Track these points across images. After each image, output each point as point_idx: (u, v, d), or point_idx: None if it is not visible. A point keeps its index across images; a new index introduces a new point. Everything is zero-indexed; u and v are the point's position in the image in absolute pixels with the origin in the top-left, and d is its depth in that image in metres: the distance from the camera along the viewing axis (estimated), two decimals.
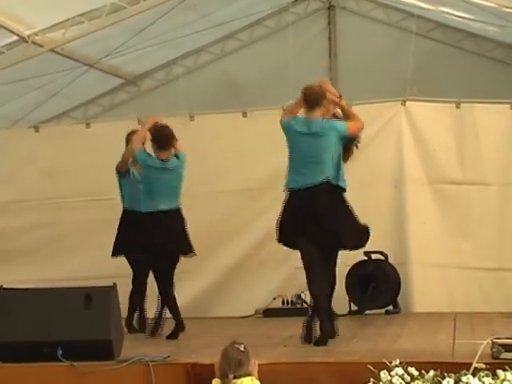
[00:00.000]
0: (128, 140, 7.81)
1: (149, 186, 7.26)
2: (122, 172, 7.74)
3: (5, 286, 5.63)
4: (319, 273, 6.32)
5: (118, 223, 7.77)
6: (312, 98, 6.37)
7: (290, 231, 6.36)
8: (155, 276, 7.31)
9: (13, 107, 10.73)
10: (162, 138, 7.29)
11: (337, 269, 8.13)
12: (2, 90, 9.80)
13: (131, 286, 7.77)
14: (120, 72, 11.43)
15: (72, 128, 10.09)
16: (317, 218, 6.25)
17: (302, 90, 6.43)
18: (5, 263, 9.12)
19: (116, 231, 7.75)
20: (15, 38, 9.30)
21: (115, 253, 7.78)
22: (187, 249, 7.28)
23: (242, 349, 4.85)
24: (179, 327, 7.22)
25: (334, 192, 6.37)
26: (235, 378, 4.76)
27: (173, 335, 7.13)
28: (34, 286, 6.59)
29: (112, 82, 11.58)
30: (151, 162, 7.24)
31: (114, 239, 7.74)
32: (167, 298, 7.26)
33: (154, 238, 7.14)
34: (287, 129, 6.42)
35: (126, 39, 10.10)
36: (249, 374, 4.82)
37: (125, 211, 7.77)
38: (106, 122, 9.77)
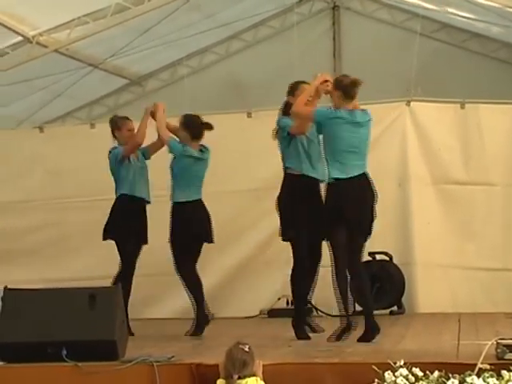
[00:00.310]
0: (114, 128, 7.70)
1: (183, 175, 7.26)
2: (125, 158, 7.66)
3: (10, 286, 5.63)
4: (345, 268, 6.41)
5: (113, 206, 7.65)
6: (353, 89, 6.39)
7: (331, 222, 6.34)
8: (178, 266, 7.29)
9: (17, 108, 10.75)
10: (197, 127, 7.30)
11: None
12: (6, 90, 9.82)
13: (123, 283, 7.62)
14: (125, 72, 11.44)
15: (76, 128, 10.10)
16: (363, 209, 6.36)
17: (340, 80, 6.45)
18: (10, 263, 9.13)
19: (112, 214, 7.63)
20: (20, 38, 9.31)
21: (108, 236, 7.61)
22: (212, 236, 7.37)
23: (246, 349, 4.84)
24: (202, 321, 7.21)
25: (370, 182, 6.46)
26: (240, 378, 4.76)
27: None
28: (38, 286, 6.60)
29: (116, 83, 11.60)
30: (190, 152, 7.25)
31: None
32: (193, 287, 7.28)
33: (189, 227, 7.19)
34: (331, 118, 6.35)
35: (131, 39, 10.11)
36: (253, 375, 4.82)
37: (123, 197, 7.62)
38: None
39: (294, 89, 6.81)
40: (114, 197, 7.75)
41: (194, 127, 7.32)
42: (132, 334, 7.23)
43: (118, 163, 7.64)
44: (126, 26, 9.53)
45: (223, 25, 10.93)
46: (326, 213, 6.40)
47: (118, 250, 7.61)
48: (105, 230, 7.65)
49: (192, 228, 7.26)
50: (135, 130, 7.69)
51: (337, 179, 6.33)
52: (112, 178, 7.74)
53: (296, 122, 6.69)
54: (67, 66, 10.12)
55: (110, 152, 7.72)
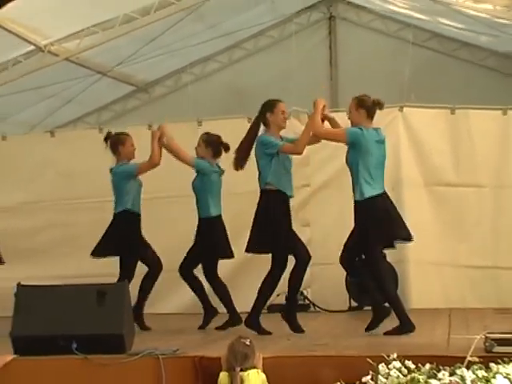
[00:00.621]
0: (118, 143, 7.55)
1: (211, 190, 7.38)
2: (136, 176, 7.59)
3: (23, 283, 5.65)
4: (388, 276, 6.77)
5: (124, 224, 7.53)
6: (375, 109, 6.49)
7: (373, 237, 6.43)
8: (208, 274, 7.45)
9: (30, 113, 10.79)
10: (218, 145, 7.44)
11: (338, 266, 8.21)
12: (19, 97, 9.85)
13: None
14: (132, 79, 11.47)
15: (86, 133, 10.09)
16: (394, 223, 6.51)
17: (364, 100, 6.49)
18: (22, 261, 9.12)
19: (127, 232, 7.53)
20: (32, 47, 9.35)
21: (112, 252, 7.51)
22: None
23: (247, 343, 4.86)
24: (234, 319, 7.25)
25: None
26: (241, 370, 4.77)
27: (222, 326, 7.22)
28: (49, 283, 6.60)
29: (124, 89, 11.64)
30: (215, 168, 7.40)
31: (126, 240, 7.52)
32: (223, 289, 7.43)
33: (224, 239, 7.39)
34: (364, 136, 6.42)
35: (138, 48, 10.14)
36: (254, 367, 4.83)
37: (125, 213, 7.51)
38: (119, 127, 9.78)
39: (272, 106, 6.77)
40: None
41: (215, 146, 7.44)
42: (149, 328, 7.22)
43: (125, 179, 7.50)
44: (133, 35, 9.55)
45: (225, 34, 10.96)
46: (366, 229, 6.41)
47: (123, 265, 7.48)
48: (107, 246, 7.50)
49: (224, 240, 7.42)
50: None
51: (371, 197, 6.40)
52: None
53: (302, 140, 6.64)
54: (77, 73, 10.15)
55: (117, 168, 7.53)
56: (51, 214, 9.46)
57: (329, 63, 11.39)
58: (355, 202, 6.50)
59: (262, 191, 6.75)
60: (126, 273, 7.43)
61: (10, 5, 6.88)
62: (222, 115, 9.54)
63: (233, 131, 9.36)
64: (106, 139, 7.69)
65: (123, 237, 7.50)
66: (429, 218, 9.02)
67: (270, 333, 6.62)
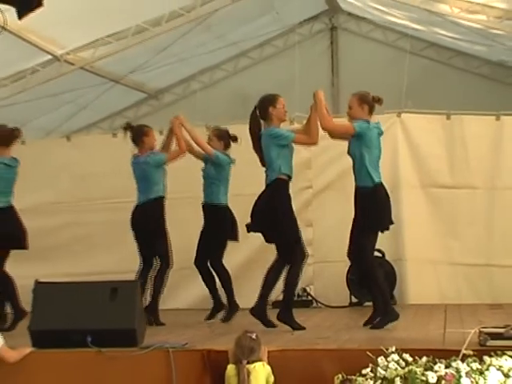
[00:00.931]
0: (142, 134, 7.43)
1: (225, 181, 7.47)
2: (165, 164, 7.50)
3: (41, 280, 5.66)
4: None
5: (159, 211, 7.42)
6: (374, 104, 6.55)
7: (383, 221, 6.51)
8: (214, 258, 7.47)
9: (47, 119, 10.82)
10: (228, 138, 7.52)
11: (339, 264, 8.17)
12: (37, 103, 9.88)
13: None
14: (143, 87, 11.51)
15: (100, 137, 10.11)
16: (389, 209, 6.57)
17: (366, 96, 6.55)
18: (41, 259, 9.14)
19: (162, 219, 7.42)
20: (49, 57, 9.39)
21: (163, 238, 7.42)
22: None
23: (253, 337, 4.86)
24: (232, 306, 7.33)
25: None
26: (248, 363, 4.78)
27: (226, 318, 7.29)
28: (66, 280, 6.61)
29: (136, 96, 11.67)
30: (230, 160, 7.48)
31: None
32: (228, 278, 7.48)
33: (234, 226, 7.42)
34: (371, 129, 6.47)
35: (149, 57, 10.18)
36: (260, 360, 4.83)
37: (161, 199, 7.42)
38: None
39: (274, 101, 6.61)
40: (135, 200, 7.61)
41: (226, 139, 7.50)
42: (163, 324, 7.19)
43: (157, 167, 7.37)
44: (145, 45, 9.59)
45: (231, 44, 10.99)
46: (369, 214, 6.41)
47: (165, 250, 7.41)
48: (165, 231, 7.44)
49: (235, 227, 7.45)
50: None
51: (379, 183, 6.45)
52: (135, 182, 7.58)
53: (314, 130, 6.50)
54: (92, 81, 10.18)
55: (147, 157, 7.37)
56: (67, 214, 9.48)
57: (330, 71, 11.41)
58: (362, 187, 6.43)
59: (277, 180, 6.50)
60: (168, 258, 7.38)
61: (28, 16, 6.88)
62: (229, 121, 9.55)
63: (239, 136, 9.38)
64: (125, 129, 7.54)
65: (164, 223, 7.41)
66: (425, 218, 9.02)
67: (275, 325, 6.52)
